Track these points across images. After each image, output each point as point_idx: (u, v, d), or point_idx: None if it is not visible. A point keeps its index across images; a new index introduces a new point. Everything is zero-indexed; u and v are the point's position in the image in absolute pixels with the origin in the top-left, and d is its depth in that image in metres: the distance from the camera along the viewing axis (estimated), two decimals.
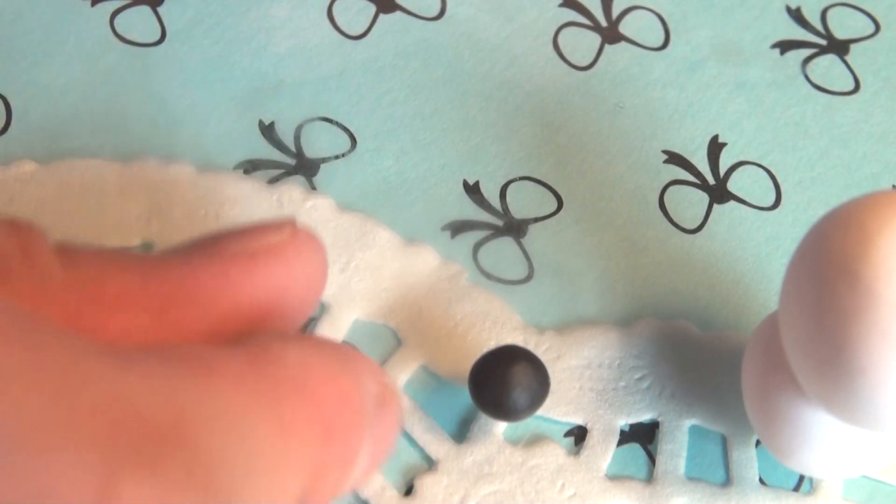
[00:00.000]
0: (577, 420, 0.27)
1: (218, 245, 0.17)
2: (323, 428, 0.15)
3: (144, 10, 0.32)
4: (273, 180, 0.29)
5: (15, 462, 0.12)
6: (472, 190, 0.30)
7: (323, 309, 0.27)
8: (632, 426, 0.27)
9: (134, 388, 0.13)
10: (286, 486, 0.14)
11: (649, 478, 0.26)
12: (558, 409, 0.27)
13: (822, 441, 0.23)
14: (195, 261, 0.17)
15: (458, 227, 0.29)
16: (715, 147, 0.31)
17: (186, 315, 0.16)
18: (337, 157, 0.30)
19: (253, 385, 0.14)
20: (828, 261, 0.21)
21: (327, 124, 0.31)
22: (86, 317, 0.15)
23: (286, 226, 0.17)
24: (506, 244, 0.29)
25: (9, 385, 0.12)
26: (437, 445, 0.26)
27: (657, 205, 0.30)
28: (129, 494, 0.12)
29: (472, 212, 0.30)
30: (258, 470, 0.14)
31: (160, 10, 0.32)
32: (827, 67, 0.33)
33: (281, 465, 0.14)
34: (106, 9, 0.32)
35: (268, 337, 0.16)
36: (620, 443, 0.26)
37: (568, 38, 0.33)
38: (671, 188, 0.30)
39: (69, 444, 0.12)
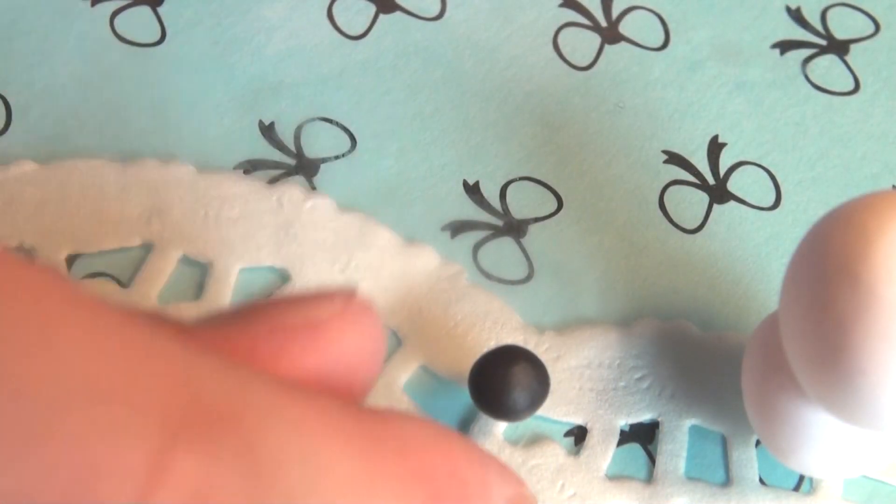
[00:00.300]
0: (577, 420, 0.27)
1: (275, 317, 0.17)
2: (430, 491, 0.15)
3: (144, 10, 0.32)
4: (273, 180, 0.29)
5: (72, 419, 0.12)
6: (472, 190, 0.30)
7: None
8: (632, 426, 0.27)
9: (202, 372, 0.13)
10: None
11: (649, 478, 0.26)
12: (558, 409, 0.27)
13: (822, 441, 0.23)
14: (254, 332, 0.16)
15: (458, 227, 0.29)
16: (715, 147, 0.31)
17: None
18: (337, 157, 0.30)
19: (342, 422, 0.14)
20: (828, 261, 0.21)
21: (327, 124, 0.31)
22: None
23: (338, 297, 0.17)
24: (506, 244, 0.29)
25: (82, 349, 0.13)
26: None
27: (657, 205, 0.30)
28: (181, 467, 0.12)
29: (472, 212, 0.30)
30: (322, 492, 0.14)
31: (160, 10, 0.32)
32: (827, 67, 0.33)
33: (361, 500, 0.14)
34: (106, 9, 0.32)
35: (390, 411, 0.15)
36: (620, 443, 0.26)
37: (568, 39, 0.33)
38: (671, 188, 0.30)
39: (129, 407, 0.12)
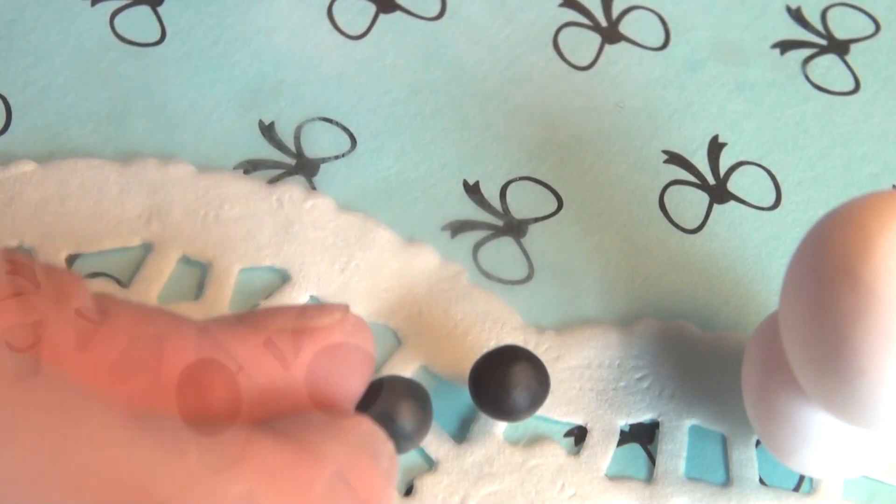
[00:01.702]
0: (577, 420, 0.27)
1: (264, 319, 0.17)
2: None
3: (144, 10, 0.32)
4: (273, 180, 0.29)
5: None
6: (472, 190, 0.30)
7: None
8: (632, 426, 0.27)
9: (137, 455, 0.14)
10: None
11: (649, 478, 0.26)
12: (558, 409, 0.27)
13: (822, 441, 0.23)
14: (240, 331, 0.17)
15: (458, 227, 0.29)
16: (715, 147, 0.31)
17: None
18: (337, 157, 0.30)
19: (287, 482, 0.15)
20: (828, 261, 0.21)
21: (327, 124, 0.31)
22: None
23: (337, 309, 0.18)
24: (506, 244, 0.29)
25: (8, 439, 0.13)
26: (437, 445, 0.26)
27: (657, 205, 0.30)
28: None
29: (472, 212, 0.30)
30: None
31: (160, 10, 0.32)
32: (827, 67, 0.33)
33: None
34: (106, 9, 0.32)
35: (305, 427, 0.16)
36: (620, 443, 0.26)
37: (568, 38, 0.33)
38: (671, 188, 0.30)
39: (68, 494, 0.13)
